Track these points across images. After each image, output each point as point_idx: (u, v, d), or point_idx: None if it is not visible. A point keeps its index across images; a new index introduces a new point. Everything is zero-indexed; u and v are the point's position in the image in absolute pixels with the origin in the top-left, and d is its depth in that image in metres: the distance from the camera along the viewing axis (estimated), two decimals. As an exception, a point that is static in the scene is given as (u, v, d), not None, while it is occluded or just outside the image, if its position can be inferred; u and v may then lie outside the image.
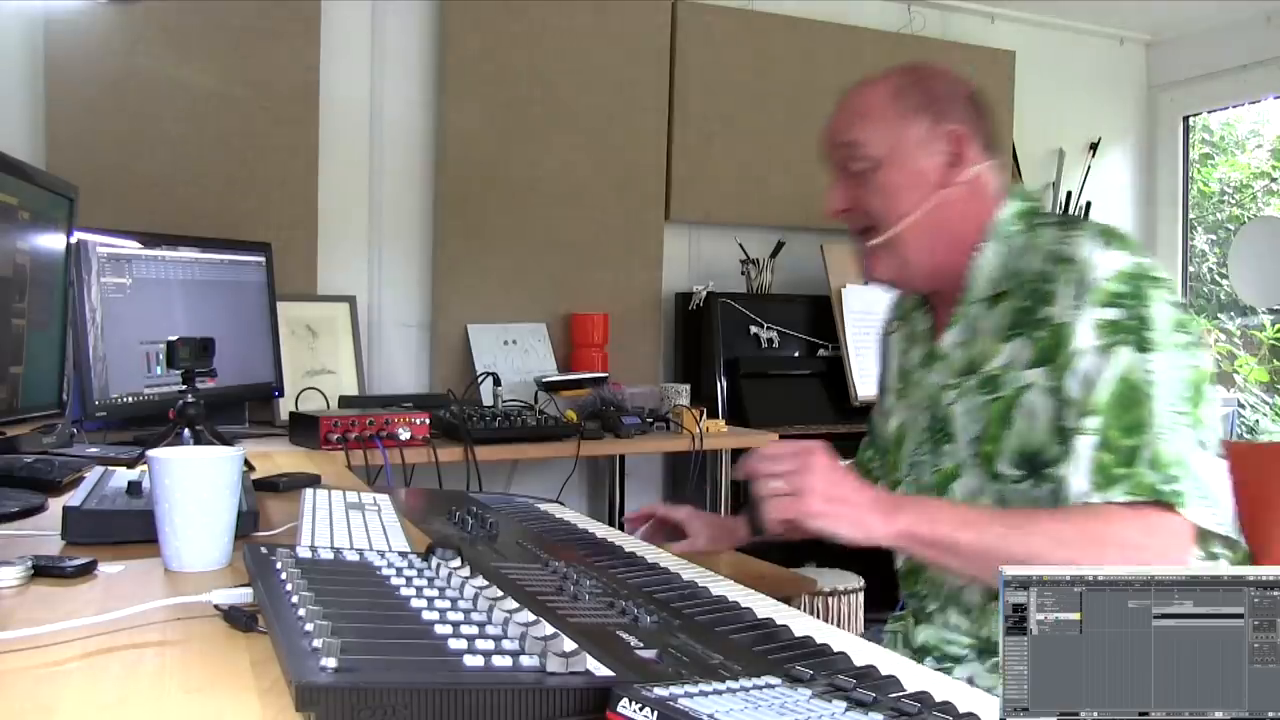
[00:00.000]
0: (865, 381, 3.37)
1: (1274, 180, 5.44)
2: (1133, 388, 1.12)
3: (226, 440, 1.55)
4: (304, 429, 2.38)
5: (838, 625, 1.77)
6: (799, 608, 1.26)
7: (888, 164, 1.29)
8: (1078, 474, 1.12)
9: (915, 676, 0.78)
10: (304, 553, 0.94)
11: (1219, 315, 4.97)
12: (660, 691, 0.62)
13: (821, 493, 1.10)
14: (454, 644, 0.68)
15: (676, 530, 1.54)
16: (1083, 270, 1.17)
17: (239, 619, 0.84)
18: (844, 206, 1.33)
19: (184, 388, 1.69)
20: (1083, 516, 1.11)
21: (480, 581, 0.86)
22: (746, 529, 1.59)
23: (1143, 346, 1.13)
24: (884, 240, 1.30)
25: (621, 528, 1.68)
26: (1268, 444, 1.48)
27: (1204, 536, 1.23)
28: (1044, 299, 1.21)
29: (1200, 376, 1.15)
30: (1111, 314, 1.15)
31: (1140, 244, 1.22)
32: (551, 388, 3.01)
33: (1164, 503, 1.09)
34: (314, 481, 1.62)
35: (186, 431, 1.64)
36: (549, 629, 0.72)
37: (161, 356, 2.17)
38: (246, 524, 1.19)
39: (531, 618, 0.74)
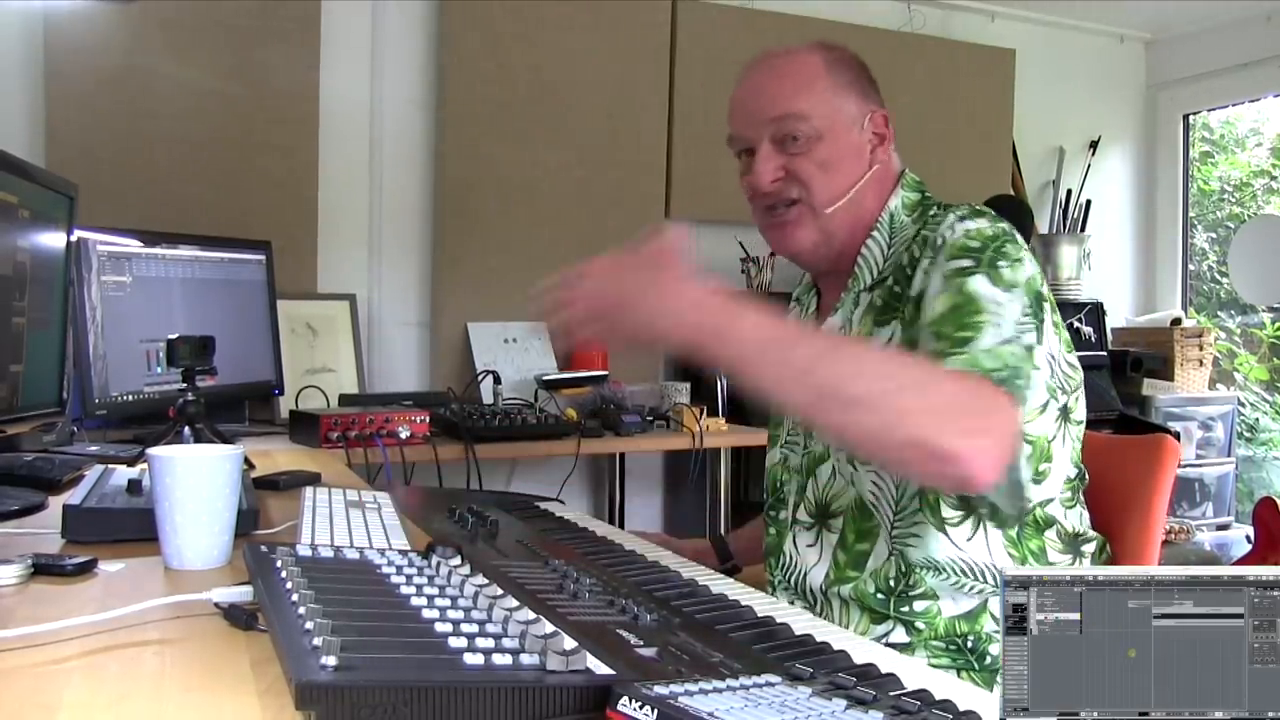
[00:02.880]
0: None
1: (1274, 179, 5.44)
2: (971, 299, 1.11)
3: (227, 439, 1.55)
4: (304, 427, 2.38)
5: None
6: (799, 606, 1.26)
7: (829, 137, 1.27)
8: None
9: (915, 674, 0.78)
10: (304, 551, 0.94)
11: (1219, 313, 4.97)
12: (660, 690, 0.62)
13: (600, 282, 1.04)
14: (454, 642, 0.68)
15: None
16: (939, 242, 1.19)
17: (239, 617, 0.84)
18: (778, 175, 1.29)
19: (184, 386, 1.69)
20: (914, 365, 1.06)
21: (480, 580, 0.86)
22: (716, 558, 1.63)
23: (995, 280, 1.12)
24: (816, 213, 1.28)
25: (620, 525, 1.68)
26: (1124, 437, 1.47)
27: (1072, 538, 1.26)
28: (908, 280, 1.22)
29: (1035, 287, 1.14)
30: (959, 263, 1.15)
31: (998, 218, 1.22)
32: (552, 386, 3.01)
33: (997, 385, 1.04)
34: (314, 480, 1.62)
35: (187, 430, 1.64)
36: (549, 627, 0.72)
37: (162, 355, 2.17)
38: (246, 522, 1.19)
39: (531, 616, 0.74)
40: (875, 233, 1.30)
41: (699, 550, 1.59)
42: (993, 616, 1.21)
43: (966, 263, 1.14)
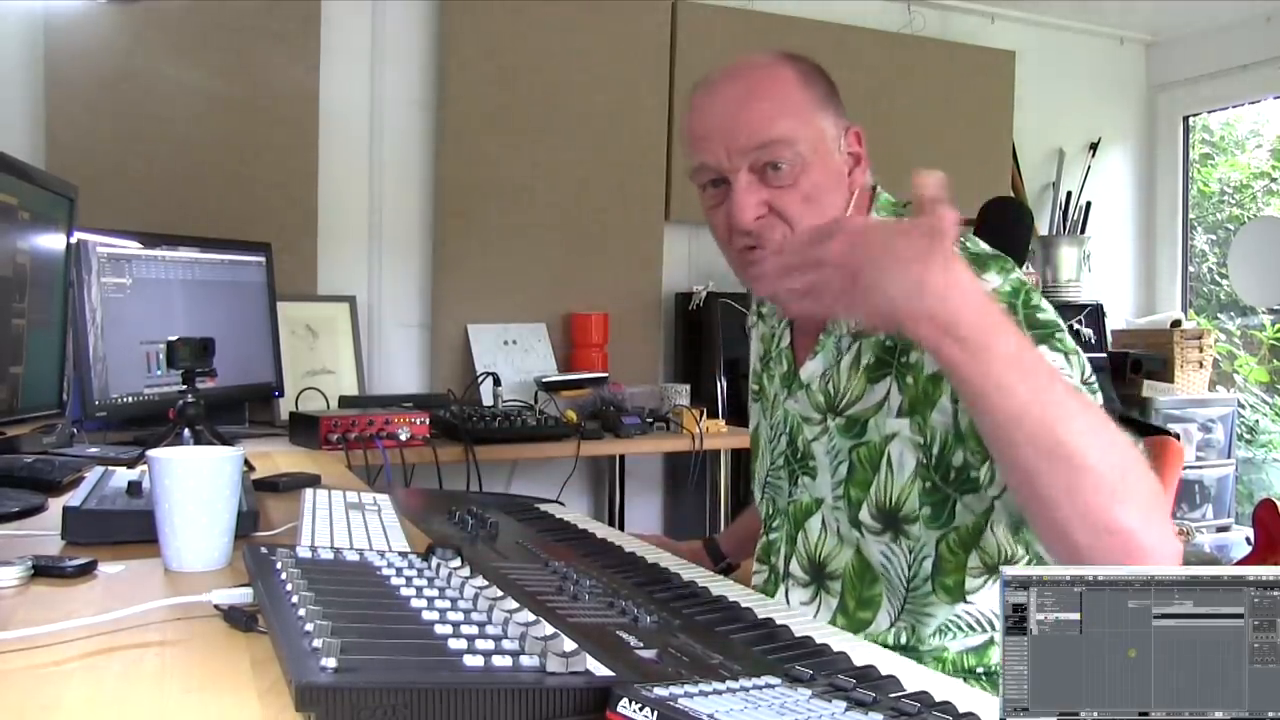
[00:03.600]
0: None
1: (1274, 180, 5.44)
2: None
3: (226, 440, 1.55)
4: (304, 429, 2.38)
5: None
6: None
7: (815, 164, 1.13)
8: None
9: (915, 676, 0.78)
10: (304, 553, 0.94)
11: (1219, 315, 4.96)
12: (660, 691, 0.62)
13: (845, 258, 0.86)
14: (454, 644, 0.68)
15: None
16: None
17: (239, 619, 0.84)
18: (762, 212, 1.13)
19: (184, 388, 1.69)
20: (1126, 442, 0.89)
21: (480, 581, 0.86)
22: (709, 561, 1.57)
23: (1058, 347, 1.02)
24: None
25: (620, 526, 1.68)
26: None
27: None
28: (911, 341, 0.98)
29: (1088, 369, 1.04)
30: None
31: (1008, 261, 1.10)
32: (551, 388, 3.01)
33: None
34: (314, 481, 1.62)
35: (186, 431, 1.64)
36: (549, 629, 0.72)
37: (161, 356, 2.17)
38: (246, 524, 1.19)
39: (531, 618, 0.74)
40: None
41: (694, 552, 1.55)
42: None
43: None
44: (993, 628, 1.16)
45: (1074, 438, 0.84)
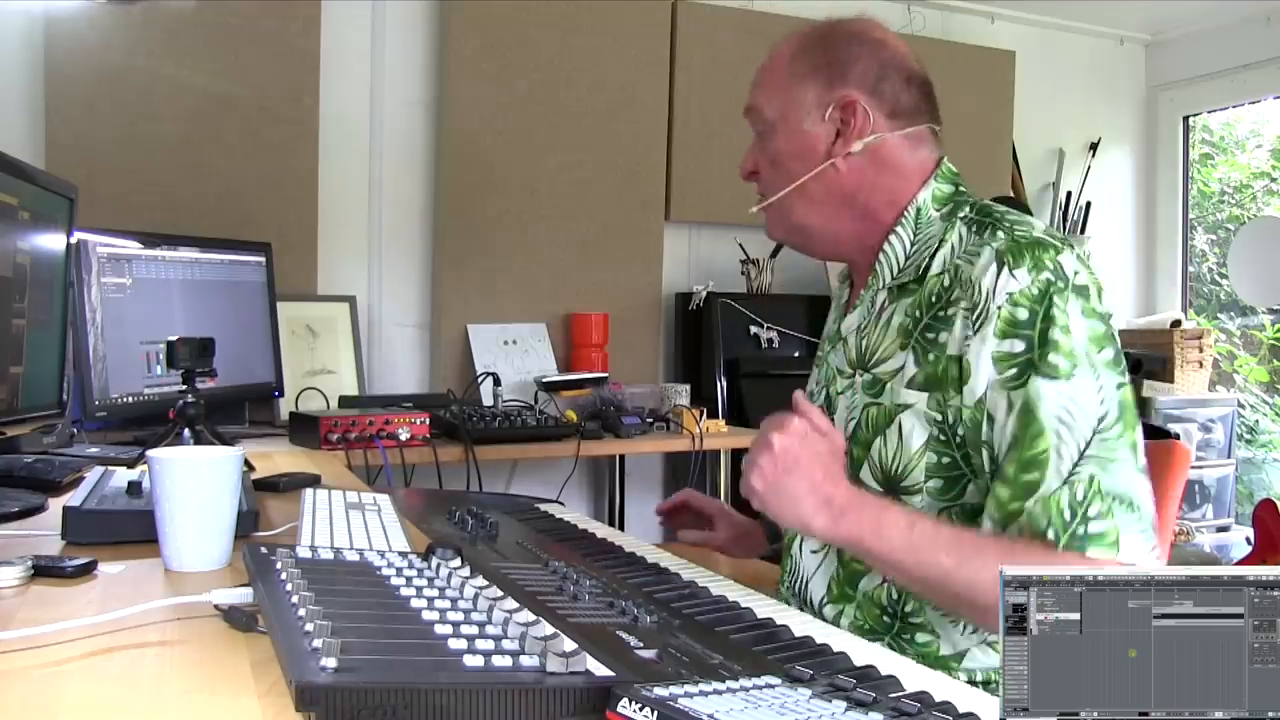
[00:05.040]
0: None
1: (1274, 180, 5.44)
2: (1032, 420, 1.04)
3: (226, 440, 1.55)
4: (304, 429, 2.38)
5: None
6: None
7: (779, 129, 1.25)
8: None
9: (915, 676, 0.78)
10: (304, 553, 0.94)
11: (1219, 315, 4.96)
12: (660, 691, 0.62)
13: (767, 473, 1.06)
14: (454, 644, 0.68)
15: (702, 519, 1.54)
16: (979, 298, 1.09)
17: (239, 619, 0.84)
18: (750, 169, 1.31)
19: (184, 388, 1.69)
20: (1031, 556, 1.02)
21: (480, 581, 0.86)
22: (765, 540, 1.57)
23: (1048, 373, 1.04)
24: (771, 205, 1.27)
25: (620, 526, 1.68)
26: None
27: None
28: (940, 320, 1.13)
29: (1127, 401, 1.06)
30: (1011, 346, 1.06)
31: (1054, 246, 1.09)
32: (551, 388, 3.01)
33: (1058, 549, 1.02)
34: (314, 481, 1.62)
35: (186, 432, 1.64)
36: (549, 629, 0.72)
37: (161, 356, 2.17)
38: (247, 524, 1.19)
39: (531, 618, 0.74)
40: (899, 227, 1.21)
41: (747, 529, 1.54)
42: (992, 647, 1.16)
43: (1018, 347, 1.06)
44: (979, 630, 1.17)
45: (931, 577, 1.05)
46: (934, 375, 1.13)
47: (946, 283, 1.15)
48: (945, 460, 1.13)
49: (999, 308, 1.07)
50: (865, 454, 1.19)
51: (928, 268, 1.18)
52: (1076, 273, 1.08)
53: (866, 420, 1.20)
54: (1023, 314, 1.06)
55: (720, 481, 3.03)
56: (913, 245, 1.20)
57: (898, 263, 1.21)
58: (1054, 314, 1.06)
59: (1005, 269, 1.08)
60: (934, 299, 1.15)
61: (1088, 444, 1.03)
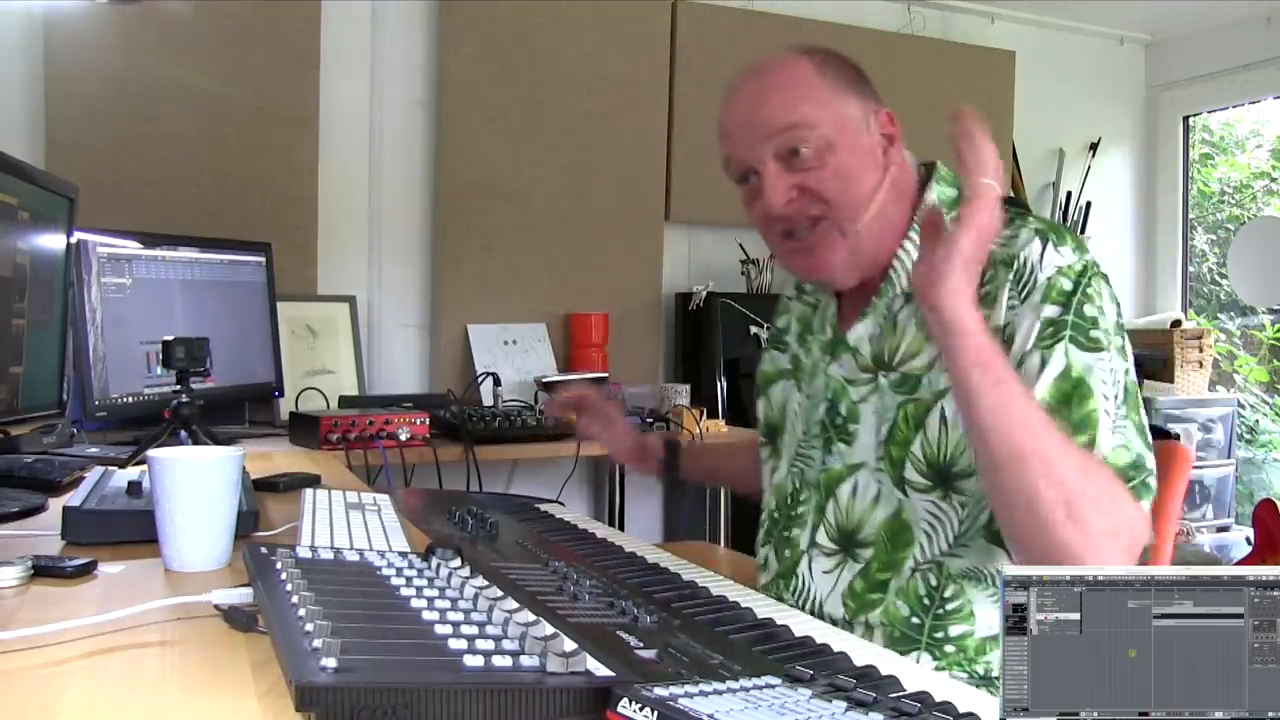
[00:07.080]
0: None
1: (1274, 180, 5.44)
2: (1080, 383, 1.06)
3: (221, 440, 1.55)
4: (304, 429, 2.38)
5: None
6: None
7: (840, 144, 1.17)
8: None
9: (915, 676, 0.78)
10: (304, 553, 0.94)
11: (1219, 315, 4.96)
12: (660, 691, 0.62)
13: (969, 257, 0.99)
14: (454, 644, 0.68)
15: (596, 417, 1.65)
16: (1025, 269, 1.11)
17: (239, 619, 0.84)
18: (792, 197, 1.18)
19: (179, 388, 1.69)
20: (1105, 471, 1.02)
21: (480, 581, 0.86)
22: (659, 464, 1.66)
23: (1087, 345, 1.07)
24: (844, 229, 1.18)
25: (620, 526, 1.68)
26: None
27: None
28: (979, 300, 1.09)
29: (1133, 385, 1.10)
30: (1054, 311, 1.08)
31: (1081, 239, 1.15)
32: (551, 388, 3.01)
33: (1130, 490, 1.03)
34: (314, 481, 1.62)
35: (183, 432, 1.64)
36: (549, 629, 0.72)
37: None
38: (246, 524, 1.19)
39: (531, 618, 0.74)
40: (913, 233, 1.21)
41: (642, 440, 1.66)
42: None
43: (1060, 314, 1.08)
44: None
45: (1037, 449, 0.97)
46: None
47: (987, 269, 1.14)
48: None
49: (1048, 278, 1.10)
50: (905, 453, 1.18)
51: None
52: (1099, 263, 1.13)
53: (903, 418, 1.19)
54: (1067, 285, 1.09)
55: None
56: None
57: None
58: (1090, 293, 1.10)
59: (1050, 244, 1.12)
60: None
61: (1120, 413, 1.07)
